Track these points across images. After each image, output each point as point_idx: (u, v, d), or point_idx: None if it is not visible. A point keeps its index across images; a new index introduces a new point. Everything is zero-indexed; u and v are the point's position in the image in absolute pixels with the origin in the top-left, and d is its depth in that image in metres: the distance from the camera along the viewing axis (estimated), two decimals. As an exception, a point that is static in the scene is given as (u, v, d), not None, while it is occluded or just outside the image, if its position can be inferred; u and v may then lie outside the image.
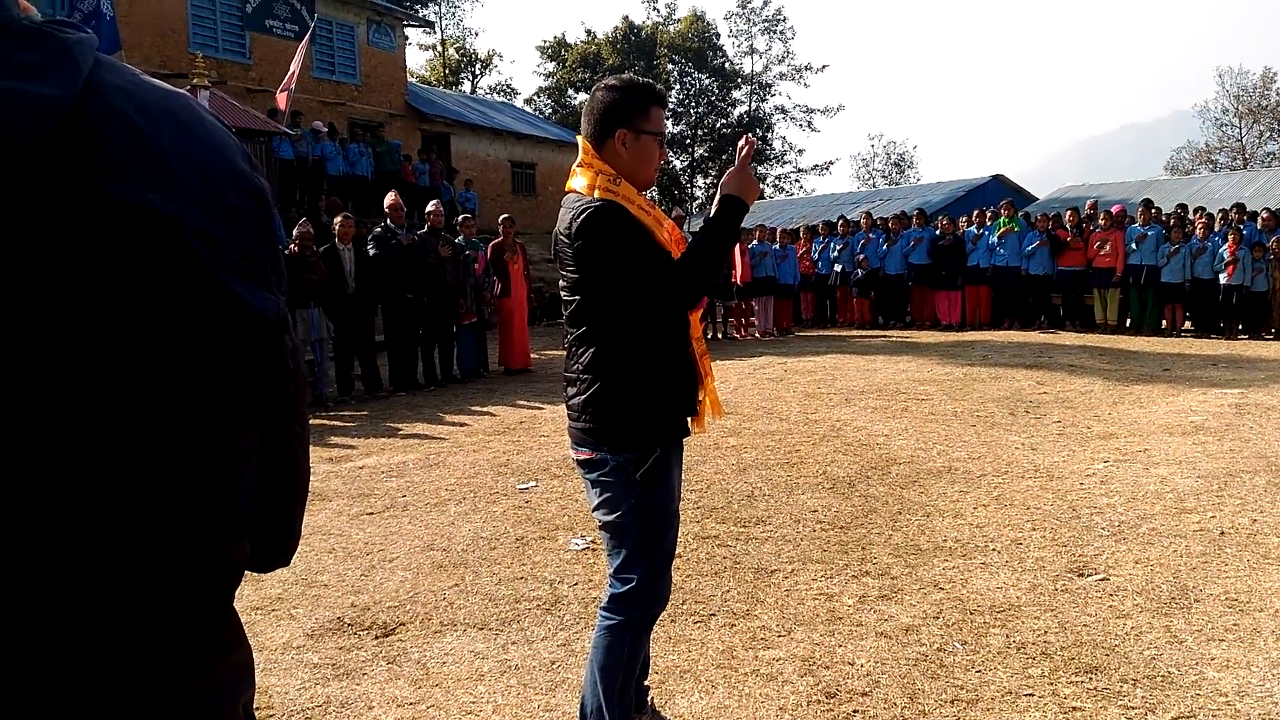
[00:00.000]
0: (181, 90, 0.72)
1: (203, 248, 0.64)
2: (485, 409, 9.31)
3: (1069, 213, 15.67)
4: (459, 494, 5.94)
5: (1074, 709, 2.94)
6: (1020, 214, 16.98)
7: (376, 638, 3.69)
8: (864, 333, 16.29)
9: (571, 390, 2.56)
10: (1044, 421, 7.53)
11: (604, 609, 2.59)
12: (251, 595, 4.09)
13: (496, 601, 4.03)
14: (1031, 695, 3.03)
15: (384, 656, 3.50)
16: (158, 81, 0.70)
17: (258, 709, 3.07)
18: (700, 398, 2.68)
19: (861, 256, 17.00)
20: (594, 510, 2.59)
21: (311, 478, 6.21)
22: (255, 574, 4.25)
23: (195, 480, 0.66)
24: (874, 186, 49.52)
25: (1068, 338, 14.05)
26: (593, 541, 4.67)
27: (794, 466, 6.31)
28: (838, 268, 17.52)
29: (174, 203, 0.63)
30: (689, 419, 2.64)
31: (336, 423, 8.88)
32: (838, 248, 17.53)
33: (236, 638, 0.77)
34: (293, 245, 9.75)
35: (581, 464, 2.58)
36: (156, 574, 0.64)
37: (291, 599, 4.12)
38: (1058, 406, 8.18)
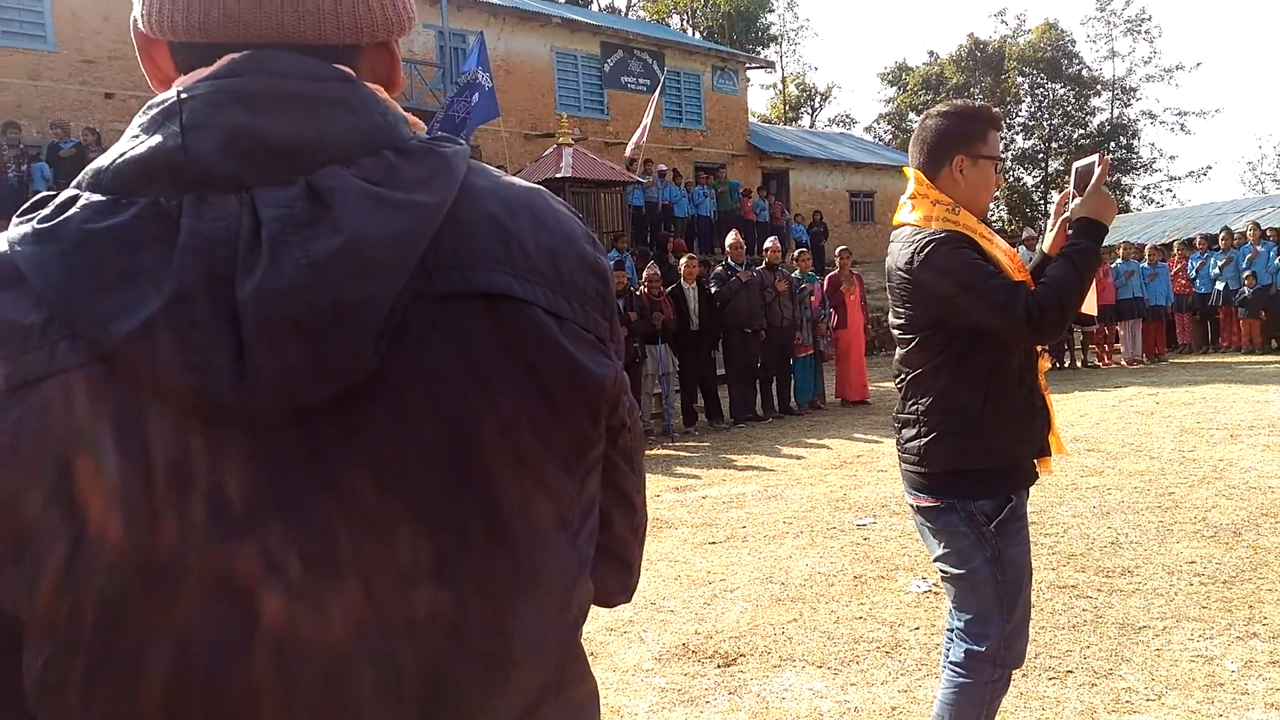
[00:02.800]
0: (538, 186, 0.83)
1: (552, 322, 0.75)
2: (821, 441, 9.29)
3: None
4: (796, 527, 5.99)
5: None
6: None
7: (718, 666, 3.82)
8: (1253, 359, 14.35)
9: (909, 433, 2.44)
10: None
11: (955, 665, 2.45)
12: (606, 616, 4.39)
13: (835, 640, 4.01)
14: None
15: (725, 686, 3.62)
16: (518, 180, 0.82)
17: (610, 725, 3.30)
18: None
19: (1249, 272, 15.02)
20: (938, 561, 2.47)
21: (659, 506, 6.57)
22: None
23: (552, 525, 0.76)
24: (1263, 192, 43.55)
25: None
26: (934, 585, 4.52)
27: (1167, 511, 5.70)
28: (1220, 285, 15.59)
29: (530, 285, 0.74)
30: (1037, 461, 2.49)
31: (681, 453, 9.27)
32: (1220, 263, 15.62)
33: (584, 670, 0.85)
34: (643, 287, 10.38)
35: (922, 511, 2.46)
36: (521, 609, 0.74)
37: (641, 622, 4.36)
38: None
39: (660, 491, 7.38)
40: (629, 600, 0.98)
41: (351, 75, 0.75)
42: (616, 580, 0.94)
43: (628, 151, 18.53)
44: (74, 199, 0.67)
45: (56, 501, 0.63)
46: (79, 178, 0.69)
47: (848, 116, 51.42)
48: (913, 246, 2.35)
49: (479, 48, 14.74)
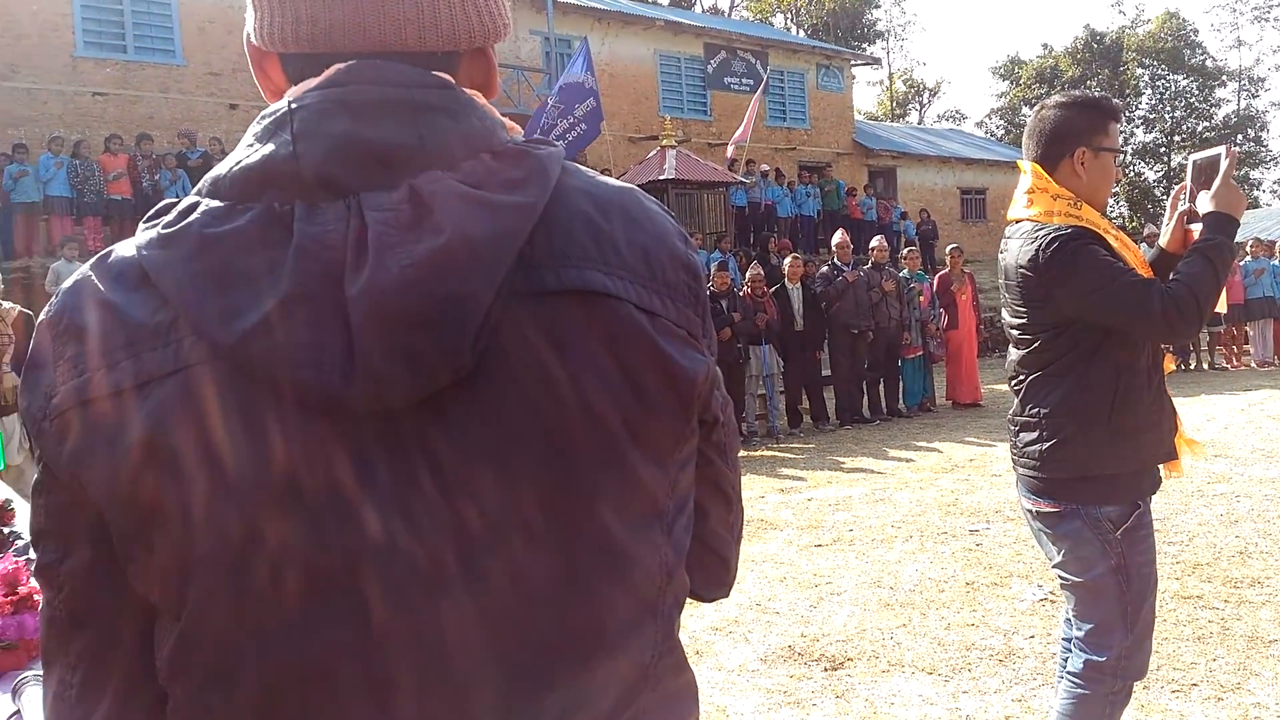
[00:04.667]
0: (630, 185, 0.85)
1: (644, 318, 0.76)
2: (931, 445, 9.10)
3: None
4: (905, 531, 5.89)
5: None
6: None
7: (825, 669, 3.79)
8: (1404, 362, 13.45)
9: (1028, 436, 2.36)
10: None
11: (1073, 675, 2.38)
12: (711, 616, 4.39)
13: (945, 646, 3.94)
14: None
15: (832, 690, 3.58)
16: (611, 180, 0.84)
17: (716, 725, 3.30)
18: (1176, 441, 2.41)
19: (1397, 269, 14.09)
20: (1057, 567, 2.39)
21: (763, 507, 6.53)
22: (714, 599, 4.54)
23: (646, 517, 0.78)
24: None
25: None
26: (1050, 593, 4.38)
27: (1303, 521, 5.40)
28: (1360, 283, 14.67)
29: (622, 282, 0.76)
30: (1165, 464, 2.39)
31: (786, 454, 9.21)
32: (1361, 260, 14.69)
33: (681, 661, 0.86)
34: (746, 288, 10.34)
35: (1041, 516, 2.37)
36: (615, 598, 0.76)
37: (746, 623, 4.36)
38: None
39: (765, 493, 7.34)
40: (726, 595, 0.99)
41: (450, 82, 0.77)
42: (713, 575, 0.94)
43: (729, 152, 18.50)
44: (195, 205, 0.71)
45: (183, 490, 0.67)
46: (199, 184, 0.73)
47: (957, 112, 50.40)
48: (1036, 243, 2.26)
49: (584, 53, 14.88)
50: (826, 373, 11.19)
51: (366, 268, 0.66)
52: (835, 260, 11.07)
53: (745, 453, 9.29)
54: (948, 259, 11.90)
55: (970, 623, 4.19)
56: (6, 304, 5.94)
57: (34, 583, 1.50)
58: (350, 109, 0.72)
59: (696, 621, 4.29)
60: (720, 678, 3.75)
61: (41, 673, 0.84)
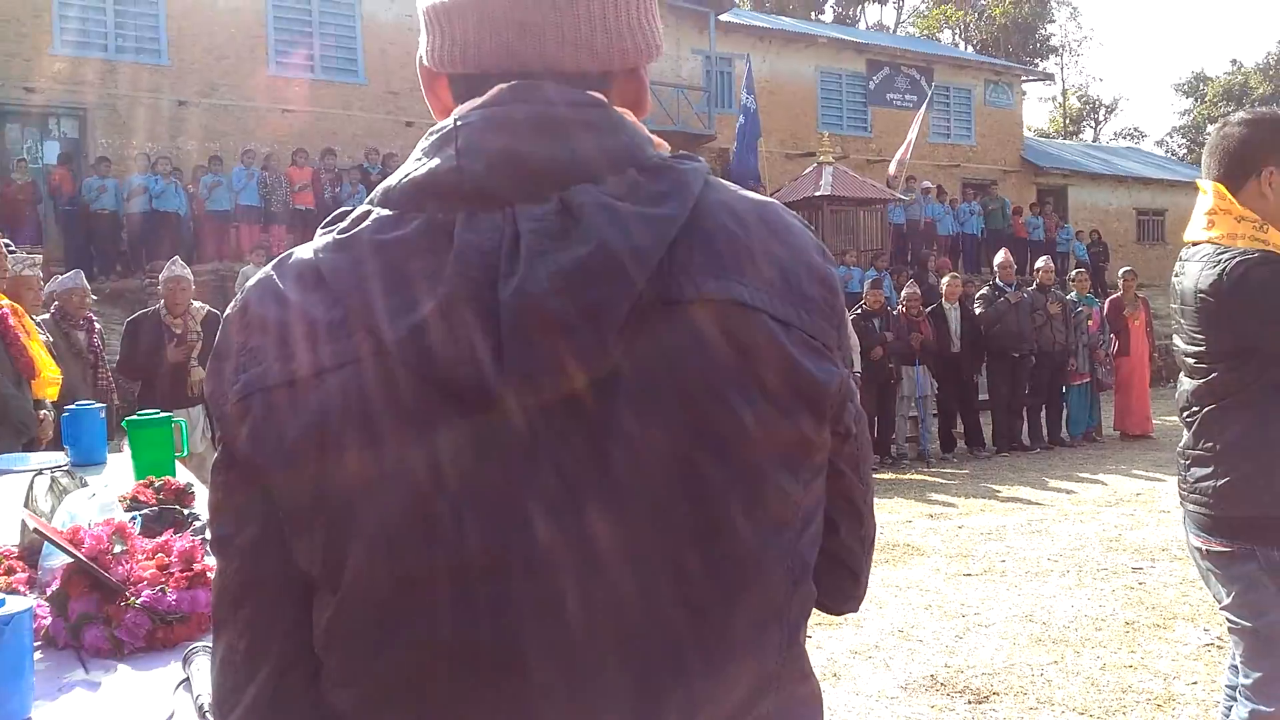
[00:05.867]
0: (770, 199, 0.87)
1: (779, 329, 0.78)
2: (1095, 476, 8.66)
3: None
4: (1062, 565, 5.62)
5: None
6: None
7: (969, 703, 3.67)
8: None
9: (1201, 471, 2.25)
10: None
11: None
12: (851, 640, 4.31)
13: (1100, 687, 3.75)
14: None
15: (974, 722, 3.47)
16: (751, 194, 0.86)
17: (851, 747, 3.25)
18: None
19: None
20: (1226, 610, 2.27)
21: (910, 532, 6.38)
22: (854, 620, 4.38)
23: (774, 524, 0.79)
24: None
25: None
26: (1218, 637, 4.11)
27: None
28: None
29: (759, 293, 0.78)
30: None
31: (937, 479, 8.94)
32: None
33: (805, 670, 0.87)
34: (901, 307, 10.12)
35: (1211, 556, 2.26)
36: (742, 600, 0.77)
37: (887, 649, 4.26)
38: None
39: (912, 517, 7.15)
40: (855, 609, 0.99)
41: (603, 101, 0.81)
42: (843, 587, 0.95)
43: (891, 169, 18.15)
44: (367, 213, 0.78)
45: (348, 471, 0.73)
46: (371, 195, 0.80)
47: (1136, 130, 47.75)
48: (1220, 267, 2.17)
49: (747, 75, 14.89)
50: (984, 397, 10.81)
51: (518, 274, 0.71)
52: (997, 280, 10.68)
53: (893, 475, 9.08)
54: (1120, 282, 11.32)
55: (1128, 664, 3.97)
56: (196, 304, 6.43)
57: (208, 560, 1.63)
58: (509, 127, 0.77)
59: (836, 644, 4.22)
60: (858, 702, 3.68)
61: (209, 644, 0.92)
